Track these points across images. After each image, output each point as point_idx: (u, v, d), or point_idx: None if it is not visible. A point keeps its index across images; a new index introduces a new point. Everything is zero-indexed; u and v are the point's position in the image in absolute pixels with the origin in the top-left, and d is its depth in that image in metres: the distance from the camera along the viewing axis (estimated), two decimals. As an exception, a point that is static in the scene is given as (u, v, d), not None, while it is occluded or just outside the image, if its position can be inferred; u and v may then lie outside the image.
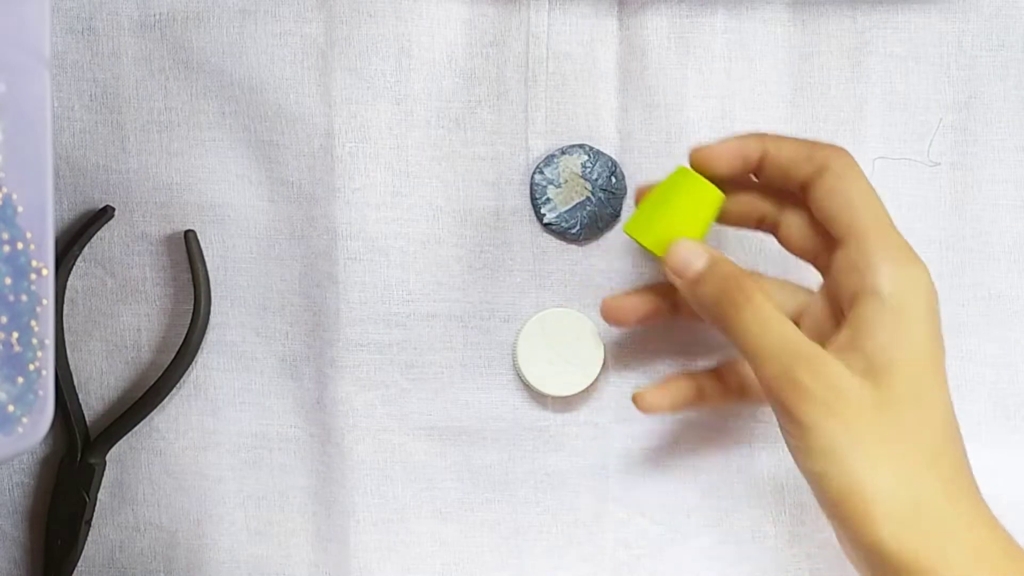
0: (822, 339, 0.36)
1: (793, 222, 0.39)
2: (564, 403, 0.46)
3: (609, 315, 0.43)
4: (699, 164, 0.39)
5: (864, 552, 0.34)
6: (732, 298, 0.36)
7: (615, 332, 0.46)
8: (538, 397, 0.46)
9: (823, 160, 0.37)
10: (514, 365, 0.45)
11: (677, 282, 0.38)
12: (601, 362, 0.44)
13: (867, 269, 0.35)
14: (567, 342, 0.44)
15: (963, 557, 0.33)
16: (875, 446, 0.34)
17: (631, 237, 0.40)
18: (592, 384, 0.44)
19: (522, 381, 0.45)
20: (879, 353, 0.34)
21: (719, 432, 0.46)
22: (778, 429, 0.46)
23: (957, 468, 0.35)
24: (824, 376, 0.34)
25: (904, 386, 0.34)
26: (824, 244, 0.38)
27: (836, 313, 0.38)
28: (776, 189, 0.40)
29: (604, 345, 0.45)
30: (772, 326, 0.35)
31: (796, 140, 0.38)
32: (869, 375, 0.34)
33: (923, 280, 0.35)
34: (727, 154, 0.38)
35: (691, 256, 0.37)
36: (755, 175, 0.39)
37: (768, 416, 0.46)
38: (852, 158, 0.37)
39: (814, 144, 0.38)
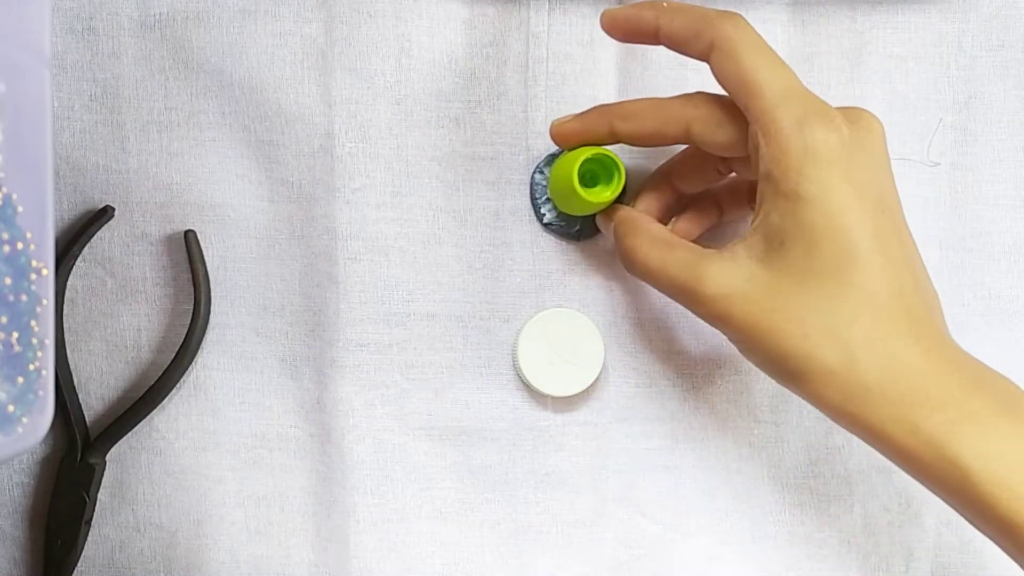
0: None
1: (704, 118, 0.38)
2: (564, 403, 0.46)
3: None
4: (605, 27, 0.38)
5: (808, 397, 0.35)
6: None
7: (615, 332, 0.45)
8: (538, 397, 0.46)
9: (710, 37, 0.35)
10: (514, 365, 0.45)
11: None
12: (601, 362, 0.44)
13: (763, 148, 0.34)
14: (567, 342, 0.44)
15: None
16: (784, 315, 0.34)
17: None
18: (592, 384, 0.44)
19: (522, 381, 0.45)
20: (775, 233, 0.34)
21: (719, 432, 0.46)
22: (778, 428, 0.46)
23: (913, 319, 0.34)
24: (713, 277, 0.35)
25: (799, 258, 0.34)
26: (742, 131, 0.37)
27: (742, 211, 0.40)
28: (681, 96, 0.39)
29: (604, 345, 0.44)
30: (656, 269, 0.38)
31: (688, 11, 0.36)
32: (766, 255, 0.35)
33: (830, 142, 0.33)
34: (620, 21, 0.38)
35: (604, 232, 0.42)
36: (650, 43, 0.38)
37: (767, 416, 0.46)
38: (739, 27, 0.35)
39: (703, 17, 0.36)
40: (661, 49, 0.44)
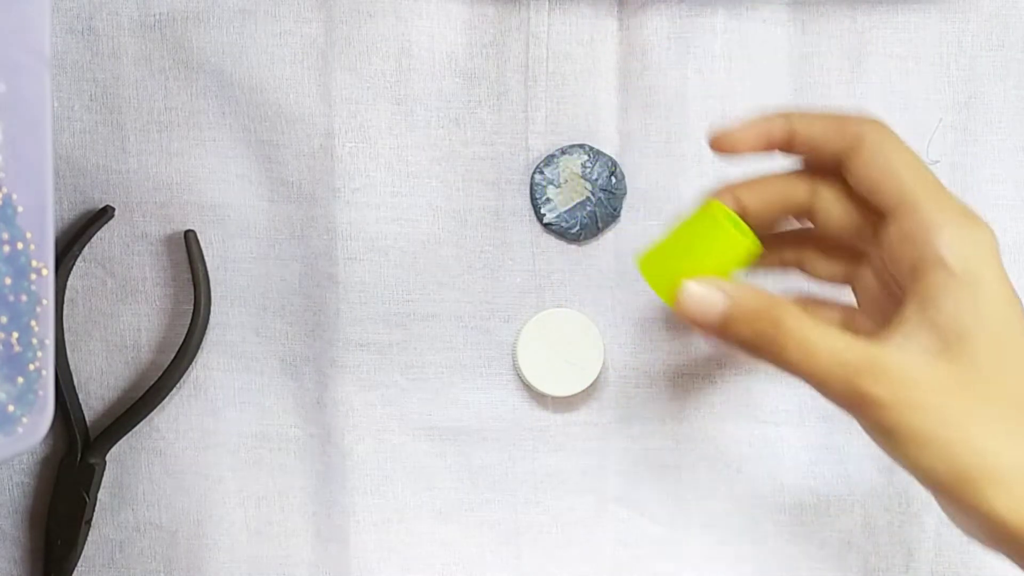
0: (883, 319, 0.34)
1: (829, 201, 0.36)
2: (564, 403, 0.46)
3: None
4: (720, 147, 0.36)
5: (987, 527, 0.31)
6: (767, 335, 0.33)
7: (615, 332, 0.45)
8: (538, 397, 0.46)
9: (857, 132, 0.34)
10: (514, 365, 0.45)
11: (699, 331, 0.34)
12: (601, 362, 0.44)
13: (926, 237, 0.32)
14: (567, 342, 0.44)
15: None
16: (971, 423, 0.31)
17: (641, 274, 0.36)
18: (592, 384, 0.44)
19: (522, 381, 0.45)
20: (951, 325, 0.32)
21: (719, 432, 0.46)
22: (778, 428, 0.46)
23: None
24: (889, 376, 0.31)
25: (985, 354, 0.31)
26: (868, 221, 0.35)
27: (892, 291, 0.35)
28: (805, 172, 0.37)
29: (604, 345, 0.45)
30: (818, 349, 0.32)
31: (825, 114, 0.35)
32: (943, 352, 0.31)
33: (987, 240, 0.32)
34: (750, 136, 0.36)
35: (707, 300, 0.34)
36: (783, 152, 0.36)
37: (767, 416, 0.46)
38: (887, 126, 0.35)
39: (845, 117, 0.35)
40: (661, 49, 0.45)
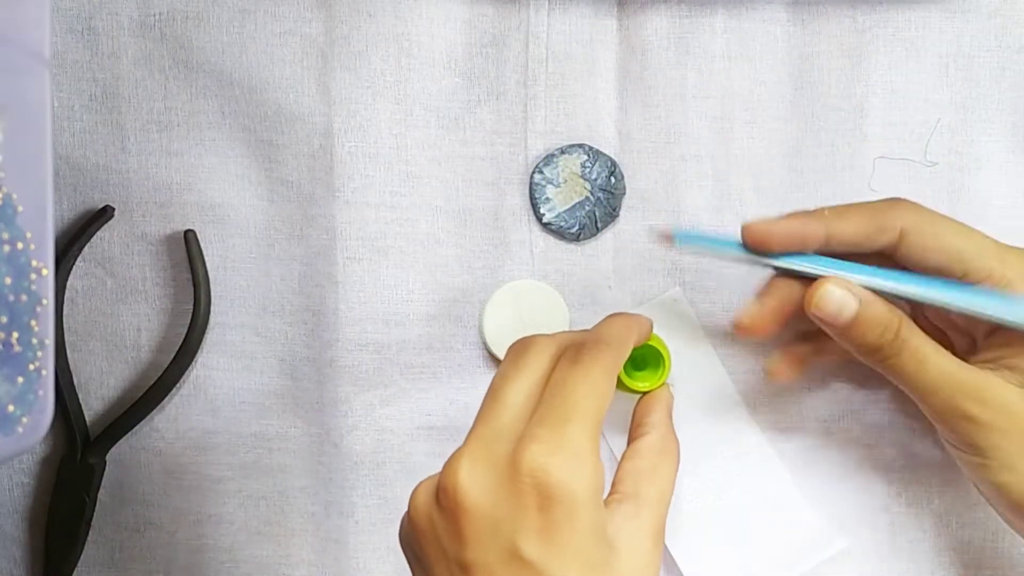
0: (968, 347, 0.39)
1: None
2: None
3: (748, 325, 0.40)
4: (754, 242, 0.38)
5: None
6: (888, 343, 0.37)
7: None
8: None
9: (895, 225, 0.38)
10: (480, 336, 0.45)
11: (829, 330, 0.38)
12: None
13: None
14: (533, 314, 0.44)
15: None
16: None
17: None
18: None
19: (487, 352, 0.45)
20: None
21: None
22: (776, 427, 0.46)
23: None
24: (991, 402, 0.36)
25: None
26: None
27: (970, 338, 0.40)
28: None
29: (571, 319, 0.44)
30: (930, 363, 0.37)
31: (857, 211, 0.38)
32: None
33: None
34: (784, 235, 0.38)
35: (842, 302, 0.37)
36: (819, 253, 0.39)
37: (767, 416, 0.46)
38: (915, 203, 0.38)
39: (876, 210, 0.38)
40: (661, 49, 0.45)
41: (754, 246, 0.39)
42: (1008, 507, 0.37)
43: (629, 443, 0.40)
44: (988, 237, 0.38)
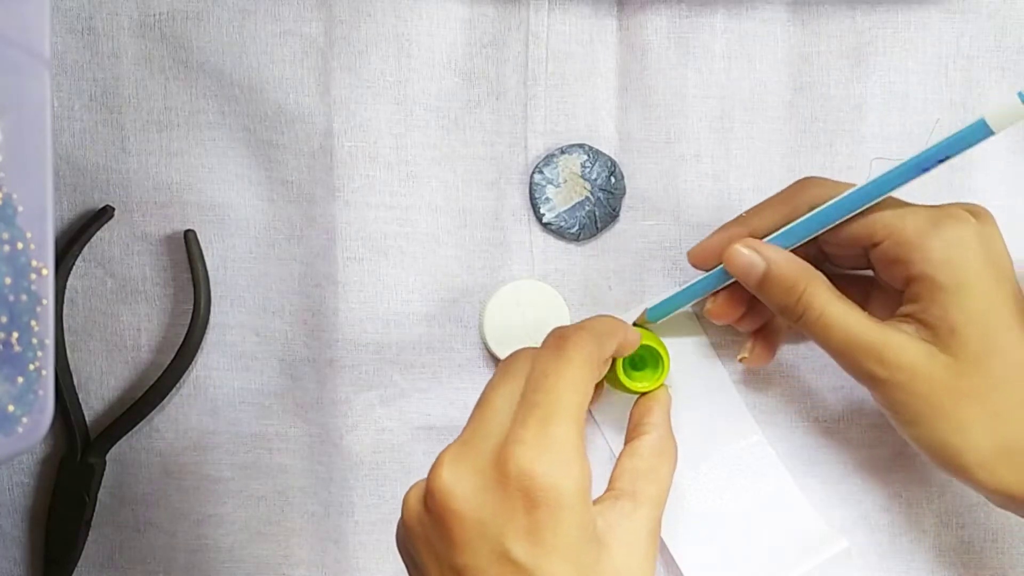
0: (890, 312, 0.38)
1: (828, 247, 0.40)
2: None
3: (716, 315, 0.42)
4: (699, 264, 0.42)
5: (972, 488, 0.37)
6: (794, 303, 0.38)
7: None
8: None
9: (803, 204, 0.39)
10: (480, 336, 0.45)
11: (748, 286, 0.39)
12: None
13: (909, 256, 0.36)
14: (534, 314, 0.44)
15: None
16: (956, 407, 0.35)
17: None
18: None
19: (488, 351, 0.45)
20: (941, 323, 0.36)
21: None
22: (775, 427, 0.46)
23: None
24: (892, 362, 0.36)
25: (974, 345, 0.35)
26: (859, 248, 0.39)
27: (894, 291, 0.39)
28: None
29: (571, 319, 0.44)
30: (835, 325, 0.37)
31: (769, 203, 0.40)
32: (935, 343, 0.36)
33: (967, 237, 0.36)
34: (716, 247, 0.40)
35: (750, 262, 0.38)
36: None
37: (766, 416, 0.46)
38: (821, 179, 0.39)
39: (785, 197, 0.40)
40: (661, 49, 0.45)
41: (701, 267, 0.41)
42: (930, 459, 0.37)
43: (627, 443, 0.40)
44: (890, 197, 0.37)
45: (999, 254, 0.36)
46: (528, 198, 0.45)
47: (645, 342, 0.42)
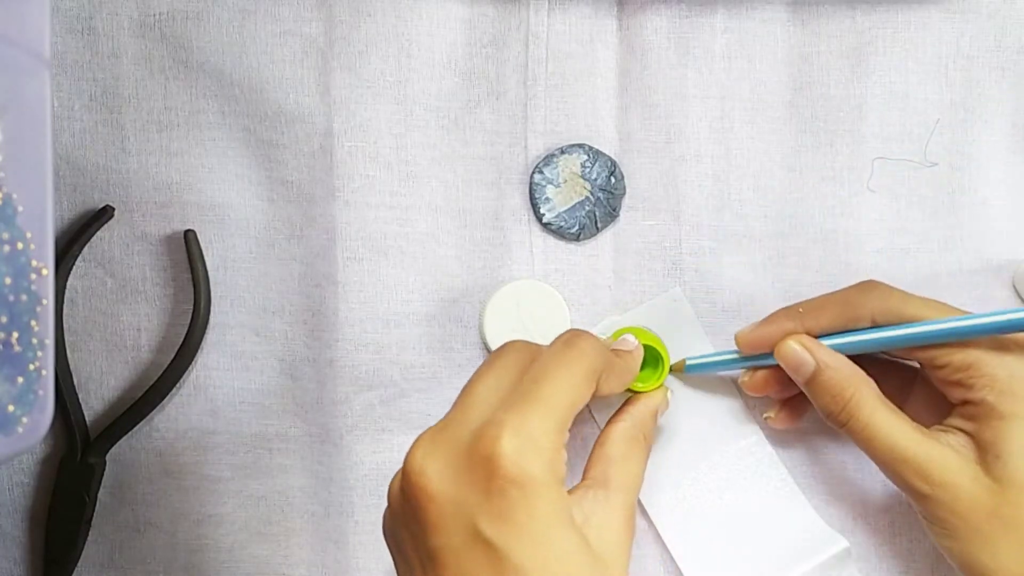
0: (933, 416, 0.40)
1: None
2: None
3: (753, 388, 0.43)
4: (748, 350, 0.42)
5: None
6: (840, 409, 0.39)
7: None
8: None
9: (866, 315, 0.39)
10: (480, 336, 0.45)
11: (795, 380, 0.40)
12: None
13: (972, 379, 0.38)
14: (534, 314, 0.44)
15: None
16: (992, 531, 0.37)
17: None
18: None
19: (488, 351, 0.45)
20: (990, 447, 0.37)
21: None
22: (776, 428, 0.46)
23: None
24: (936, 479, 0.37)
25: (1020, 476, 0.37)
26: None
27: (940, 397, 0.40)
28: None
29: (571, 319, 0.44)
30: (879, 435, 0.38)
31: (829, 303, 0.41)
32: (982, 466, 0.37)
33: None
34: (767, 340, 0.41)
35: (800, 360, 0.40)
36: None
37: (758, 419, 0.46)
38: (885, 286, 0.40)
39: (847, 301, 0.40)
40: (661, 49, 0.45)
41: (749, 353, 0.42)
42: (959, 570, 0.39)
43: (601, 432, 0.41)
44: (955, 309, 0.39)
45: None
46: (528, 198, 0.45)
47: (646, 342, 0.42)
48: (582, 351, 0.36)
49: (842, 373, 0.39)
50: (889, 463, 0.38)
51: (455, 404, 0.35)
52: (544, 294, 0.45)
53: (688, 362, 0.44)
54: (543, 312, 0.45)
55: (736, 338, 0.42)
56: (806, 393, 0.40)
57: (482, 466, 0.32)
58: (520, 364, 0.36)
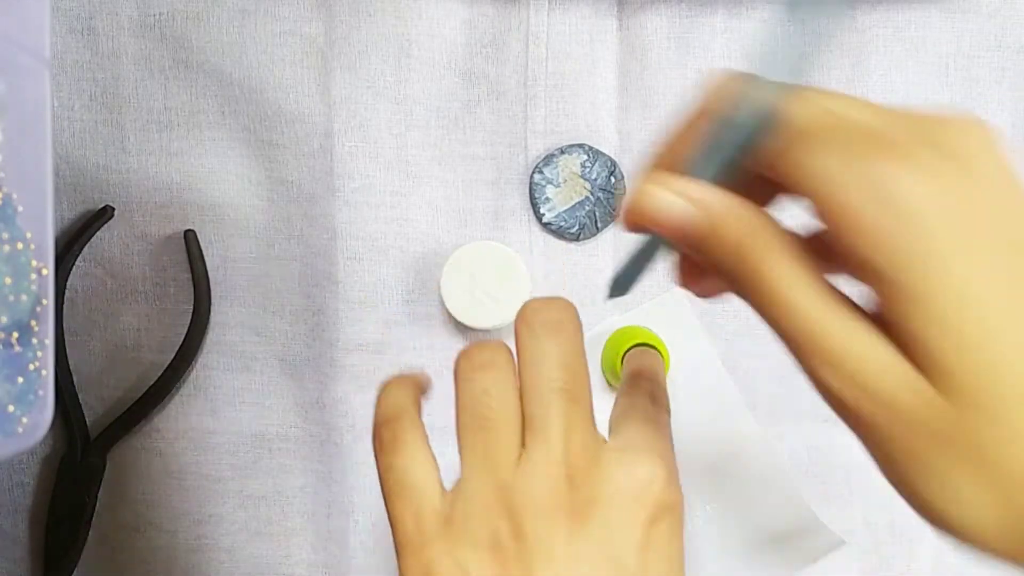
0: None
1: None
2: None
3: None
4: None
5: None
6: (747, 260, 0.25)
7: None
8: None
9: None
10: (439, 298, 0.45)
11: (685, 248, 0.28)
12: (528, 297, 0.43)
13: (839, 231, 0.24)
14: (492, 277, 0.43)
15: None
16: (950, 468, 0.26)
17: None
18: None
19: (447, 314, 0.45)
20: (923, 350, 0.23)
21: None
22: (777, 427, 0.46)
23: None
24: (866, 388, 0.24)
25: (972, 382, 0.23)
26: None
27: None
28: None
29: (532, 282, 0.44)
30: (795, 306, 0.24)
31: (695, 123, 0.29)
32: (929, 377, 0.24)
33: (910, 186, 0.22)
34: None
35: (673, 211, 0.26)
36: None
37: (765, 417, 0.46)
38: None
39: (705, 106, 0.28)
40: (661, 49, 0.45)
41: (635, 229, 0.30)
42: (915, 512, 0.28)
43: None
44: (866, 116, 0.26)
45: (988, 210, 0.22)
46: (528, 198, 0.45)
47: (645, 341, 0.42)
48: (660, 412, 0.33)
49: (739, 219, 0.25)
50: (805, 347, 0.24)
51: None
52: (499, 256, 0.43)
53: (610, 284, 0.31)
54: (499, 276, 0.43)
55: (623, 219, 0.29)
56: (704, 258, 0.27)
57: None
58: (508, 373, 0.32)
